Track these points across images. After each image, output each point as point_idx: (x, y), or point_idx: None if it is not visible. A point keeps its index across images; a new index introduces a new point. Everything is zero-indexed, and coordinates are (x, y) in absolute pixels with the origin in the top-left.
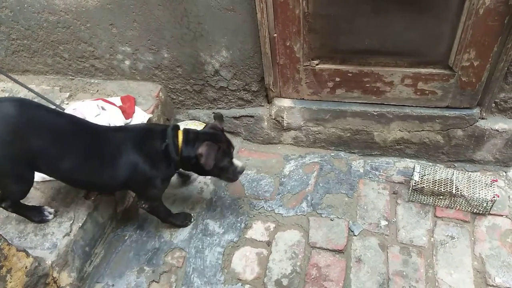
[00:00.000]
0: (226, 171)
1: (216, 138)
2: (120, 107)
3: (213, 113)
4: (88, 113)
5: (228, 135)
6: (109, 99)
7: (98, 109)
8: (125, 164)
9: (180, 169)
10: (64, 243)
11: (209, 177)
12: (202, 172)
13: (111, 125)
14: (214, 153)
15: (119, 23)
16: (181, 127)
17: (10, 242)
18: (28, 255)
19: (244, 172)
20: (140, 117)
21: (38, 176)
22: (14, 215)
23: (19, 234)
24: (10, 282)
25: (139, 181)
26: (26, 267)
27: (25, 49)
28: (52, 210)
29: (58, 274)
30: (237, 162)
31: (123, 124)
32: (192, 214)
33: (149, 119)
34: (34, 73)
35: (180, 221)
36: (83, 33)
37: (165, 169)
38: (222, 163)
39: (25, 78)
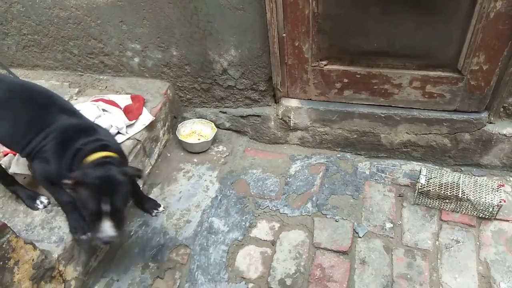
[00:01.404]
0: (91, 226)
1: (108, 184)
2: (126, 107)
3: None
4: (88, 115)
5: (235, 134)
6: (119, 96)
7: (99, 110)
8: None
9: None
10: (71, 237)
11: (215, 175)
12: None
13: (113, 127)
14: (71, 187)
15: (129, 20)
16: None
17: (18, 234)
18: (35, 248)
19: (251, 172)
20: (145, 119)
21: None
22: (22, 208)
23: (26, 227)
24: (17, 274)
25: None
26: (33, 260)
27: (35, 44)
28: (46, 202)
29: (64, 268)
30: (107, 228)
31: (124, 125)
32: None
33: (152, 122)
34: (43, 68)
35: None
36: (93, 29)
37: (64, 166)
38: (85, 211)
39: (35, 73)
